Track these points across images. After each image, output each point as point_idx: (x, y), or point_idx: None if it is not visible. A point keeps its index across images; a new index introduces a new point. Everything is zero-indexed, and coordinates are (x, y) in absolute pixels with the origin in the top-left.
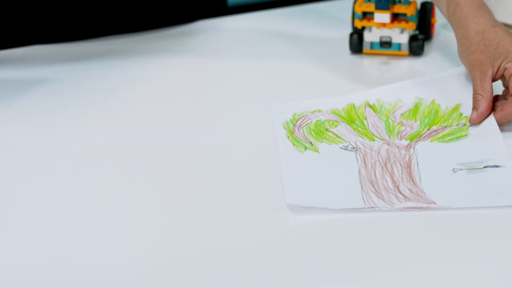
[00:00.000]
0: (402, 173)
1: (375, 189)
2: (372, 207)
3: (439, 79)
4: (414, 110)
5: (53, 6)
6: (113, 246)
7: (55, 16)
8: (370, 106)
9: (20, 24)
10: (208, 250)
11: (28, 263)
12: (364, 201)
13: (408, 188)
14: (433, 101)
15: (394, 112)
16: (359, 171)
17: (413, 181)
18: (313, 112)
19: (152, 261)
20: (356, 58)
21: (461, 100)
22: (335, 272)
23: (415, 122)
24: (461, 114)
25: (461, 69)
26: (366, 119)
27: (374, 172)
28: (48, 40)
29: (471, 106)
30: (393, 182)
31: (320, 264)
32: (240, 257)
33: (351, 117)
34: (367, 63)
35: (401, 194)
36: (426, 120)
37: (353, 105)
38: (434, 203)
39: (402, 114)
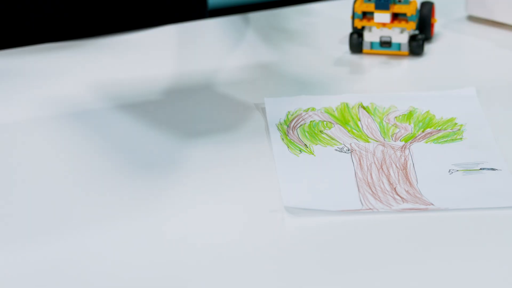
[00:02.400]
0: (398, 175)
1: (372, 191)
2: (370, 209)
3: (436, 96)
4: (408, 115)
5: (51, 5)
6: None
7: (53, 16)
8: (364, 108)
9: (19, 24)
10: (204, 253)
11: None
12: (362, 203)
13: (405, 190)
14: (427, 111)
15: (388, 115)
16: (355, 173)
17: (410, 183)
18: (307, 110)
19: (151, 260)
20: (356, 58)
21: (456, 115)
22: (333, 273)
23: (409, 125)
24: (456, 123)
25: (461, 91)
26: (360, 120)
27: (371, 174)
28: (45, 40)
29: (467, 121)
30: (390, 184)
31: (319, 266)
32: (237, 259)
33: (344, 118)
34: (367, 63)
35: (399, 195)
36: (420, 124)
37: (347, 104)
38: (432, 204)
39: (396, 117)
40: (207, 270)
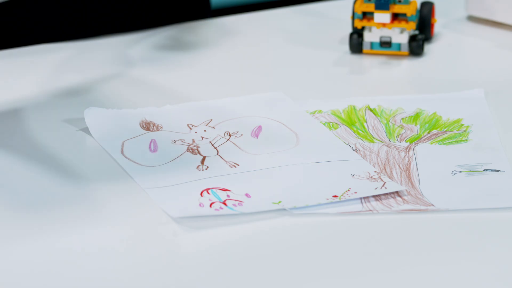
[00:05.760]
0: (401, 176)
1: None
2: (370, 210)
3: (444, 98)
4: (415, 117)
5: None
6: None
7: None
8: (371, 110)
9: (20, 24)
10: (208, 249)
11: None
12: (362, 204)
13: (407, 191)
14: (434, 113)
15: (394, 116)
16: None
17: (412, 184)
18: (313, 112)
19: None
20: (356, 58)
21: (463, 116)
22: (332, 272)
23: (416, 126)
24: (462, 124)
25: (469, 92)
26: (366, 121)
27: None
28: (47, 40)
29: (474, 121)
30: None
31: (318, 266)
32: (238, 257)
33: (351, 119)
34: (367, 63)
35: (400, 197)
36: (427, 125)
37: (354, 107)
38: (432, 205)
39: (402, 119)
40: (210, 267)
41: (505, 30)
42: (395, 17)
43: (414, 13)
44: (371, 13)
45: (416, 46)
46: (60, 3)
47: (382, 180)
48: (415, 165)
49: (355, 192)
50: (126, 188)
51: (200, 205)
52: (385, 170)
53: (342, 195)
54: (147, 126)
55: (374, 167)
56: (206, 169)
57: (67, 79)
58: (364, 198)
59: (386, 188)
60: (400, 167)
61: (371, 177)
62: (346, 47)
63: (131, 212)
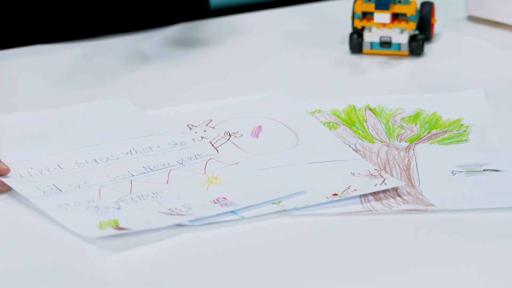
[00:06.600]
0: (401, 176)
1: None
2: (370, 210)
3: (443, 98)
4: (415, 117)
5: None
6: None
7: (54, 16)
8: (371, 110)
9: (20, 24)
10: (208, 249)
11: None
12: (362, 205)
13: (407, 191)
14: (434, 113)
15: (394, 116)
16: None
17: (412, 184)
18: (313, 112)
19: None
20: (356, 58)
21: (463, 116)
22: (333, 273)
23: (415, 126)
24: (462, 125)
25: (469, 92)
26: (366, 121)
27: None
28: (47, 40)
29: (474, 121)
30: None
31: (318, 266)
32: (238, 257)
33: (351, 119)
34: (367, 63)
35: (400, 197)
36: (427, 125)
37: (354, 106)
38: (432, 205)
39: (402, 119)
40: (212, 267)
41: (505, 30)
42: (395, 17)
43: (414, 13)
44: (371, 13)
45: (416, 46)
46: (60, 3)
47: (382, 176)
48: (415, 165)
49: (355, 190)
50: None
51: None
52: (385, 170)
53: (342, 193)
54: None
55: (374, 166)
56: None
57: (67, 79)
58: (364, 198)
59: (386, 184)
60: (400, 167)
61: (371, 174)
62: (346, 47)
63: None
